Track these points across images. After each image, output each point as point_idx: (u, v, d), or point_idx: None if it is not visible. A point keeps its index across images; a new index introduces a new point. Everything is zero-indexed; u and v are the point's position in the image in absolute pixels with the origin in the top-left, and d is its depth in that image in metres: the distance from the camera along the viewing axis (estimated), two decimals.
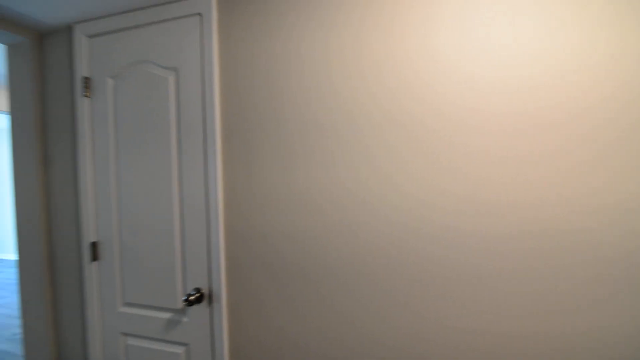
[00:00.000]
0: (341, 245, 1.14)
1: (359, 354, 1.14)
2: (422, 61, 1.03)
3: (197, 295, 1.31)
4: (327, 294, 1.17)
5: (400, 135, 1.06)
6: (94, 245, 1.47)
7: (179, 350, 1.38)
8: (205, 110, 1.28)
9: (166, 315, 1.39)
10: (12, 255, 6.18)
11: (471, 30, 0.98)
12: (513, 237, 0.97)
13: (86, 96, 1.45)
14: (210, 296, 1.31)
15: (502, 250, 0.98)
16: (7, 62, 1.60)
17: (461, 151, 1.00)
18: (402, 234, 1.07)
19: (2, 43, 1.57)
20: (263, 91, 1.22)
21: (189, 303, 1.28)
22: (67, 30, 1.50)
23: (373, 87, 1.09)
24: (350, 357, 1.15)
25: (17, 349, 2.76)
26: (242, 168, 1.25)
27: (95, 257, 1.48)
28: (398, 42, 1.05)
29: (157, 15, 1.33)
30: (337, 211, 1.14)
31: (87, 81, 1.45)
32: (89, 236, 1.47)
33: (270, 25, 1.19)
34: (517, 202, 0.96)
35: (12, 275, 4.92)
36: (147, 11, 1.34)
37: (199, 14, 1.27)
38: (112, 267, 1.46)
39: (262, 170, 1.23)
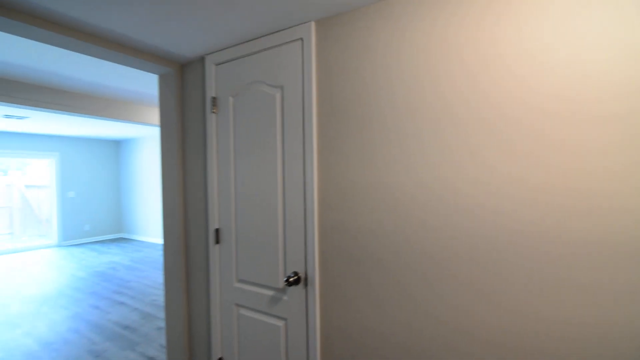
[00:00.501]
0: (421, 240, 1.23)
1: (438, 344, 1.21)
2: (509, 50, 1.06)
3: (295, 277, 1.54)
4: (406, 286, 1.26)
5: (481, 130, 1.11)
6: (217, 231, 1.84)
7: (280, 323, 1.63)
8: (304, 119, 1.51)
9: (270, 292, 1.66)
10: (157, 239, 7.64)
11: (564, 20, 0.98)
12: (594, 229, 0.93)
13: (214, 112, 1.82)
14: (306, 279, 1.53)
15: (580, 241, 0.95)
16: (158, 88, 2.10)
17: (543, 140, 1.00)
18: (480, 228, 1.11)
19: (156, 73, 2.07)
20: (352, 100, 1.38)
21: (289, 284, 1.52)
22: (200, 61, 1.90)
23: (460, 85, 1.15)
24: (428, 347, 1.23)
25: (155, 311, 3.49)
26: (334, 168, 1.44)
27: (217, 240, 1.84)
28: (487, 36, 1.10)
29: (267, 43, 1.60)
30: (416, 206, 1.23)
31: (214, 100, 1.82)
32: (214, 224, 1.84)
33: (360, 44, 1.35)
34: (595, 190, 0.92)
35: (151, 255, 6.12)
36: (258, 41, 1.63)
37: (301, 39, 1.51)
38: (229, 249, 1.80)
39: (349, 169, 1.39)
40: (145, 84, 3.19)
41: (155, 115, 4.21)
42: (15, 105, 3.08)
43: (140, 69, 1.96)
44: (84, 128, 6.11)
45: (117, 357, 2.63)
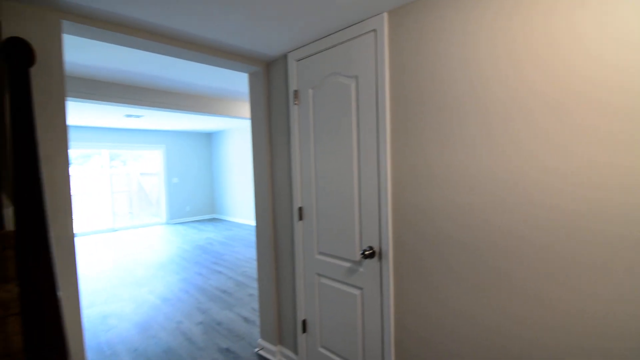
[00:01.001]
0: (500, 218, 1.27)
1: (531, 325, 1.25)
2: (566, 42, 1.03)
3: (370, 251, 1.69)
4: (489, 267, 1.32)
5: (549, 115, 1.10)
6: (300, 210, 2.09)
7: (356, 292, 1.81)
8: (377, 105, 1.62)
9: (347, 264, 1.84)
10: (244, 220, 8.56)
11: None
12: None
13: (295, 104, 2.05)
14: (380, 254, 1.68)
15: None
16: (248, 85, 2.41)
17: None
18: (552, 215, 1.11)
19: (246, 72, 2.37)
20: (426, 86, 1.45)
21: (365, 256, 1.68)
22: (283, 58, 2.14)
23: (528, 73, 1.15)
24: (509, 328, 1.28)
25: (246, 280, 4.01)
26: (407, 150, 1.53)
27: (300, 217, 2.09)
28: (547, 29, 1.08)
29: (342, 37, 1.75)
30: (496, 187, 1.27)
31: (296, 93, 2.04)
32: (297, 203, 2.09)
33: (433, 31, 1.41)
34: None
35: (239, 234, 6.91)
36: (334, 35, 1.78)
37: (374, 30, 1.61)
38: (311, 225, 2.03)
39: (424, 152, 1.47)
40: (233, 81, 3.61)
41: (241, 108, 4.70)
42: (134, 105, 3.76)
43: (233, 70, 2.28)
44: (184, 123, 7.06)
45: (219, 314, 3.14)
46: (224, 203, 8.99)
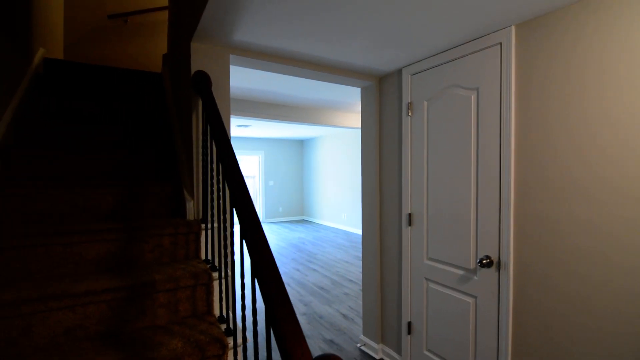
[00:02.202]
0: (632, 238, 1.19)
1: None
2: None
3: (487, 260, 1.71)
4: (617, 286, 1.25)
5: None
6: (409, 216, 2.19)
7: (469, 300, 1.83)
8: (501, 115, 1.64)
9: (460, 272, 1.88)
10: (331, 223, 8.97)
11: None
12: None
13: (409, 115, 2.16)
14: (498, 263, 1.68)
15: None
16: (361, 98, 2.61)
17: None
18: None
19: (358, 87, 2.58)
20: (554, 98, 1.43)
21: (482, 265, 1.70)
22: (397, 73, 2.28)
23: None
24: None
25: (340, 280, 4.23)
26: (534, 160, 1.52)
27: (409, 223, 2.19)
28: None
29: (463, 51, 1.81)
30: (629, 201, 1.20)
31: (409, 105, 2.16)
32: (407, 209, 2.20)
33: (562, 46, 1.38)
34: None
35: (327, 235, 7.26)
36: (454, 50, 1.85)
37: (499, 43, 1.64)
38: (420, 231, 2.11)
39: (554, 161, 1.44)
40: (333, 93, 3.89)
41: (336, 117, 4.98)
42: (245, 117, 4.30)
43: (347, 85, 2.50)
44: (281, 131, 7.73)
45: (319, 308, 3.40)
46: (312, 206, 9.51)
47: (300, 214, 10.00)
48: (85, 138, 2.04)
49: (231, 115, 4.21)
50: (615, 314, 1.28)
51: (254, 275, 0.90)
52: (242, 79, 3.19)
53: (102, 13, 3.54)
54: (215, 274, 1.48)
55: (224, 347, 1.23)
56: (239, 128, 6.95)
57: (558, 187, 1.44)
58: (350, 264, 5.05)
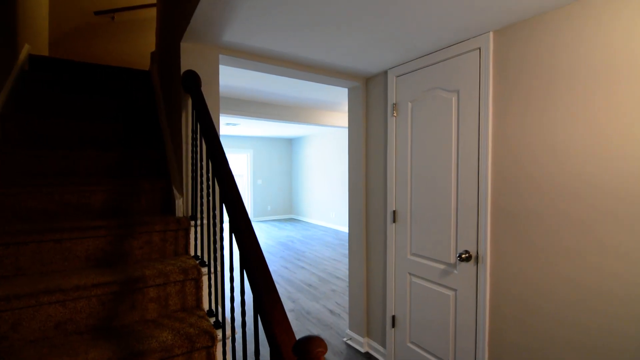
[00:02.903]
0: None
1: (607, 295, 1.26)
2: None
3: (466, 255, 1.79)
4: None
5: None
6: (394, 213, 2.26)
7: (450, 293, 1.92)
8: (480, 116, 1.73)
9: (441, 266, 1.96)
10: (320, 222, 9.02)
11: None
12: None
13: (394, 116, 2.24)
14: (477, 258, 1.76)
15: None
16: (348, 99, 2.67)
17: None
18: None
19: (345, 87, 2.64)
20: (529, 99, 1.52)
21: (461, 260, 1.79)
22: (383, 74, 2.35)
23: None
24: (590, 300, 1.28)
25: (328, 277, 4.29)
26: (507, 160, 1.61)
27: (394, 220, 2.27)
28: None
29: (444, 55, 1.89)
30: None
31: (395, 106, 2.23)
32: (391, 206, 2.27)
33: (540, 47, 1.47)
34: None
35: (316, 234, 7.32)
36: (436, 54, 1.92)
37: (479, 48, 1.72)
38: (404, 228, 2.19)
39: (527, 159, 1.53)
40: (321, 92, 3.94)
41: (324, 117, 5.04)
42: (233, 115, 4.32)
43: (335, 85, 2.56)
44: (270, 129, 7.75)
45: (307, 305, 3.46)
46: (301, 205, 9.55)
47: (289, 213, 10.03)
48: (73, 135, 2.05)
49: (223, 114, 4.22)
50: (591, 311, 1.38)
51: (242, 266, 0.95)
52: (231, 77, 3.21)
53: (88, 9, 3.50)
54: (205, 269, 1.52)
55: (213, 339, 1.28)
56: (228, 126, 6.94)
57: (534, 182, 1.53)
58: (338, 261, 5.12)
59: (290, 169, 10.05)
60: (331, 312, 3.27)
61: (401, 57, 2.06)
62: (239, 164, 9.82)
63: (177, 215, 1.76)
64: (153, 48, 3.85)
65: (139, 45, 3.73)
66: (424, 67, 2.02)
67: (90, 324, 1.29)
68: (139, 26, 3.76)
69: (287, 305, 3.44)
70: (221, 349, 1.34)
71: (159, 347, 1.17)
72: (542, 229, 1.50)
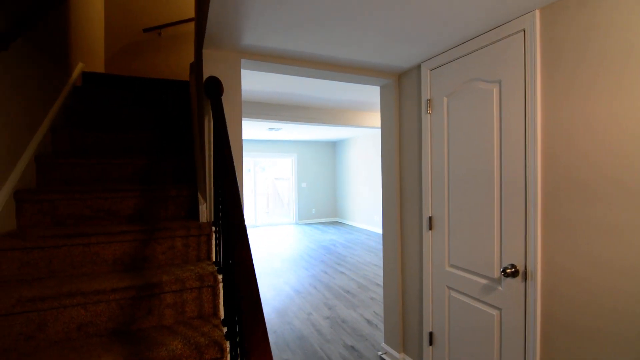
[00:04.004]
0: None
1: None
2: None
3: (513, 270, 1.55)
4: None
5: None
6: (430, 219, 2.06)
7: (493, 312, 1.68)
8: (526, 108, 1.49)
9: (483, 280, 1.73)
10: (364, 225, 8.87)
11: None
12: None
13: (428, 113, 2.04)
14: (525, 273, 1.52)
15: None
16: (380, 96, 2.52)
17: None
18: None
19: (378, 85, 2.49)
20: (586, 89, 1.26)
21: (505, 275, 1.55)
22: (416, 69, 2.17)
23: None
24: None
25: (368, 284, 4.13)
26: (560, 163, 1.35)
27: (430, 227, 2.07)
28: None
29: (482, 41, 1.67)
30: None
31: (429, 102, 2.04)
32: (427, 212, 2.07)
33: (593, 28, 1.22)
34: None
35: (359, 238, 7.15)
36: (473, 41, 1.71)
37: (523, 30, 1.49)
38: (441, 236, 1.98)
39: (578, 159, 1.27)
40: (360, 93, 3.81)
41: (365, 118, 4.89)
42: (275, 121, 4.35)
43: (367, 84, 2.43)
44: (313, 133, 7.76)
45: (343, 312, 3.34)
46: (345, 208, 9.43)
47: (333, 216, 9.96)
48: (113, 145, 2.18)
49: (261, 119, 4.29)
50: None
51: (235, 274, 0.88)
52: (268, 83, 3.23)
53: (138, 27, 3.78)
54: (222, 277, 1.49)
55: (222, 350, 1.23)
56: (270, 131, 7.08)
57: (597, 186, 1.27)
58: (380, 267, 4.92)
59: (334, 172, 9.99)
60: (368, 322, 3.11)
61: (434, 49, 1.88)
62: (284, 167, 10.01)
63: (200, 220, 1.77)
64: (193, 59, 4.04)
65: (183, 58, 3.93)
66: (460, 57, 1.82)
67: (110, 327, 1.32)
68: (183, 39, 3.97)
69: (323, 312, 3.36)
70: None
71: (167, 356, 1.16)
72: (607, 240, 1.23)
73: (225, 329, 1.36)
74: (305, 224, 9.50)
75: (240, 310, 0.74)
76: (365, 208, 8.43)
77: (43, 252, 1.43)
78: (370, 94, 3.87)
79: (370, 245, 6.44)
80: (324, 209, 9.85)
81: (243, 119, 4.11)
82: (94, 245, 1.51)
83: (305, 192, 9.63)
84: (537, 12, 1.43)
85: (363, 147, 8.50)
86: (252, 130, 6.93)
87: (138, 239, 1.57)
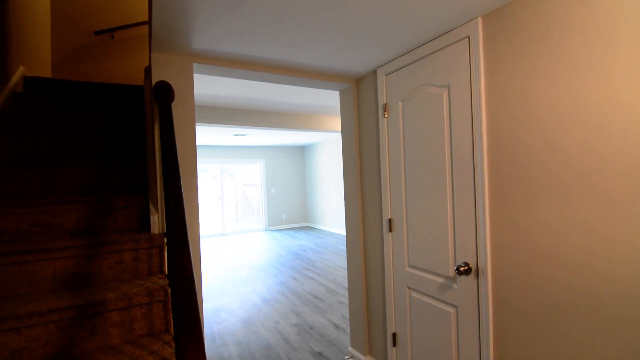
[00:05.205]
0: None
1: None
2: None
3: (466, 267, 1.61)
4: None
5: None
6: (390, 221, 2.10)
7: (450, 310, 1.73)
8: (472, 110, 1.56)
9: (440, 279, 1.78)
10: (334, 229, 8.88)
11: None
12: None
13: (385, 117, 2.09)
14: (477, 271, 1.57)
15: None
16: (340, 101, 2.55)
17: None
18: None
19: (337, 90, 2.52)
20: (524, 89, 1.34)
21: (459, 273, 1.60)
22: (372, 74, 2.21)
23: None
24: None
25: (337, 288, 4.13)
26: (504, 160, 1.43)
27: (390, 229, 2.10)
28: None
29: (432, 47, 1.73)
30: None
31: (385, 106, 2.08)
32: (387, 214, 2.11)
33: (528, 36, 1.30)
34: None
35: (329, 242, 7.16)
36: (424, 47, 1.77)
37: (467, 37, 1.56)
38: (401, 238, 2.02)
39: (518, 158, 1.35)
40: (324, 98, 3.83)
41: (331, 122, 4.93)
42: (241, 126, 4.28)
43: (326, 89, 2.44)
44: (280, 138, 7.71)
45: (311, 318, 3.31)
46: (315, 212, 9.43)
47: (303, 221, 9.92)
48: (56, 154, 2.03)
49: (226, 125, 4.19)
50: (601, 321, 1.17)
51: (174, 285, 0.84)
52: (231, 87, 3.16)
53: (88, 30, 3.58)
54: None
55: None
56: (237, 137, 6.95)
57: (532, 183, 1.34)
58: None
59: (304, 177, 9.97)
60: (336, 326, 3.10)
61: (389, 54, 1.92)
62: (253, 173, 9.86)
63: (152, 232, 1.68)
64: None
65: (137, 62, 3.77)
66: (413, 63, 1.87)
67: (49, 351, 1.22)
68: (138, 43, 3.81)
69: (291, 319, 3.31)
70: None
71: None
72: (548, 235, 1.30)
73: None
74: (276, 230, 9.39)
75: (176, 324, 0.70)
76: (335, 212, 8.48)
77: None
78: (334, 99, 3.90)
79: (340, 249, 6.47)
80: (294, 214, 9.79)
81: (208, 125, 4.00)
82: (31, 264, 1.39)
83: (275, 197, 9.53)
84: (480, 20, 1.50)
85: (331, 151, 8.56)
86: (218, 136, 6.77)
87: (81, 254, 1.46)
